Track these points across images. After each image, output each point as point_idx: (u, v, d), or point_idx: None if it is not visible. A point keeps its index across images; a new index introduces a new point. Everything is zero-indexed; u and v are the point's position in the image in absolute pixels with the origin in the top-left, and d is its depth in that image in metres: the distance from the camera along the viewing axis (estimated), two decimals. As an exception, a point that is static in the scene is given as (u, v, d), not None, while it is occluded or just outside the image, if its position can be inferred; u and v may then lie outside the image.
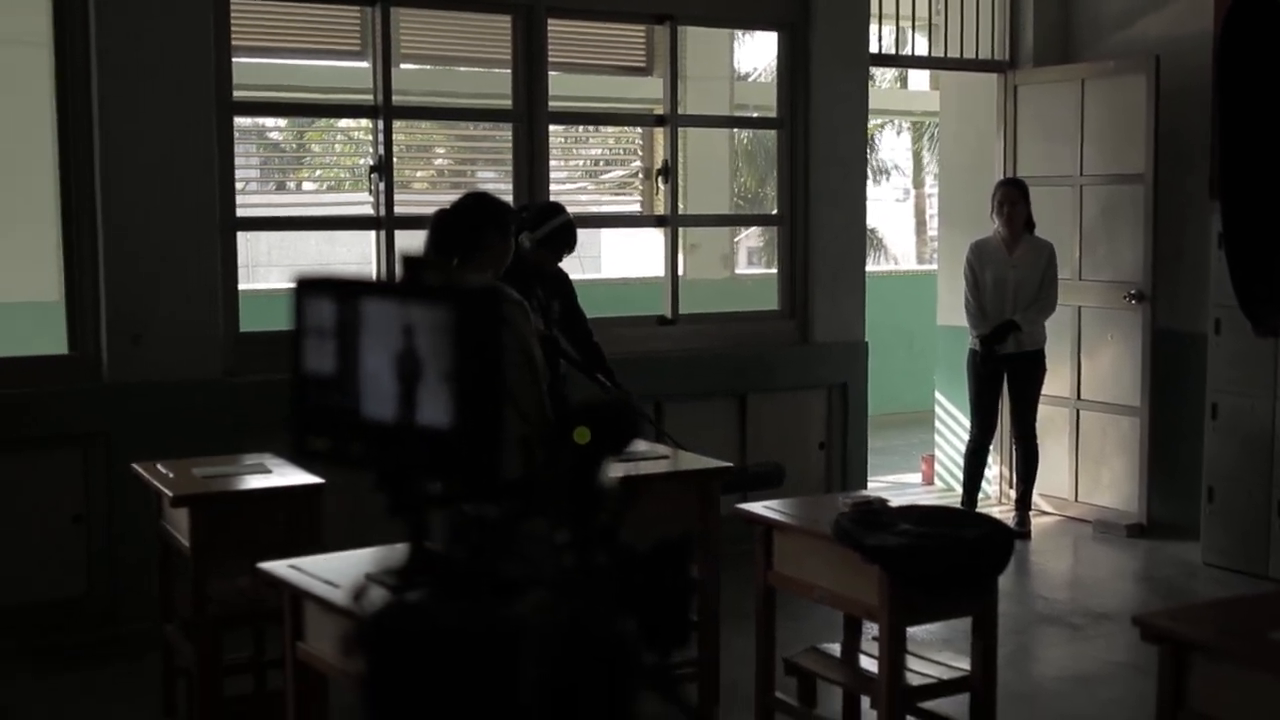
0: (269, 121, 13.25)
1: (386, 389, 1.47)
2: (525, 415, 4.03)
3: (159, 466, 5.07)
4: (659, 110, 7.76)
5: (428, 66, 10.69)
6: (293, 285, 1.55)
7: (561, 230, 5.94)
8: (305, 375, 1.51)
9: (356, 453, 1.48)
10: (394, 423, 1.46)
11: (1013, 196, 7.74)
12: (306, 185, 14.56)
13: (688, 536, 1.56)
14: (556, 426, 1.38)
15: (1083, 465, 8.22)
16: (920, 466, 9.48)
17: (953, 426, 8.98)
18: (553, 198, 6.97)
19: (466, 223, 4.57)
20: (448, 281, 1.39)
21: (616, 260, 14.88)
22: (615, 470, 1.40)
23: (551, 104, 7.15)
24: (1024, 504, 7.97)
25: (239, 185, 6.63)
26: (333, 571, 3.83)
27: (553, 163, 7.25)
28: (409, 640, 1.25)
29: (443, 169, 12.60)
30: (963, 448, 8.22)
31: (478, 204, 4.65)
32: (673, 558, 1.53)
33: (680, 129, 7.84)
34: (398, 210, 6.81)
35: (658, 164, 7.99)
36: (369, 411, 1.48)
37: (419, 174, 12.37)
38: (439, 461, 1.41)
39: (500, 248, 4.61)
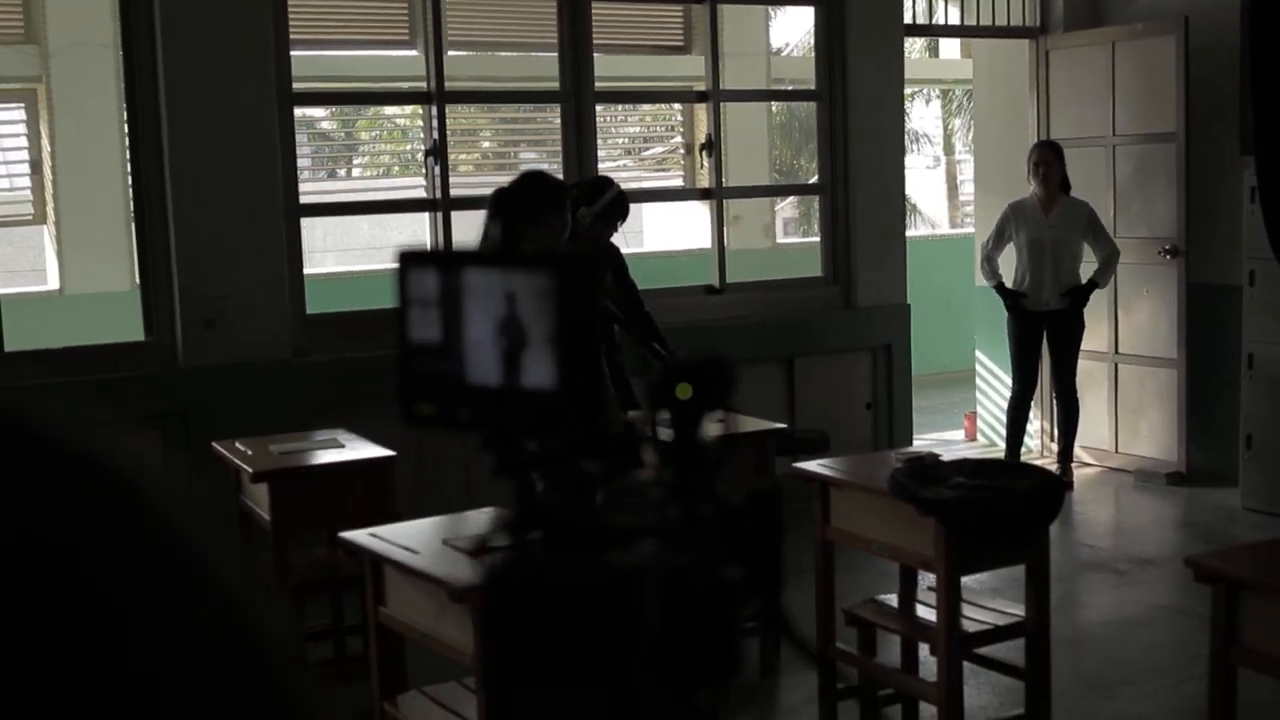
0: (318, 112, 13.30)
1: (490, 354, 1.49)
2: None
3: (237, 444, 5.13)
4: (699, 87, 7.75)
5: (471, 53, 10.69)
6: (396, 259, 1.57)
7: (616, 202, 5.95)
8: (410, 344, 1.53)
9: (463, 416, 1.50)
10: (498, 386, 1.47)
11: (1048, 157, 7.68)
12: (355, 173, 14.61)
13: (777, 488, 1.58)
14: (660, 383, 1.40)
15: (1122, 417, 8.19)
16: (963, 424, 9.46)
17: (993, 384, 8.96)
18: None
19: (526, 200, 4.60)
20: (543, 250, 1.41)
21: (658, 234, 14.86)
22: (714, 425, 1.42)
23: (596, 84, 7.16)
24: (1066, 457, 7.92)
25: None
26: (410, 539, 3.88)
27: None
28: (528, 589, 1.28)
29: (487, 152, 12.64)
30: (1004, 404, 8.21)
31: (536, 182, 4.67)
32: (765, 508, 1.55)
33: (722, 104, 7.82)
34: (451, 193, 6.83)
35: (699, 139, 7.98)
36: (473, 377, 1.50)
37: (464, 158, 12.41)
38: (544, 421, 1.43)
39: (558, 223, 4.64)
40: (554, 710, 1.25)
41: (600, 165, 7.22)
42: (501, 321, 1.46)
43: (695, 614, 1.29)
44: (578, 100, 7.05)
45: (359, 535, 3.96)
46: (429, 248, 1.81)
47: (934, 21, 8.51)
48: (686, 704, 1.32)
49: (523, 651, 1.30)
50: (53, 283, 9.52)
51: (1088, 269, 7.79)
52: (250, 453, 5.00)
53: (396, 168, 13.69)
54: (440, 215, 6.82)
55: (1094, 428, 8.24)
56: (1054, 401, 8.10)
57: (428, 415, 1.55)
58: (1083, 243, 7.74)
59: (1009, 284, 7.80)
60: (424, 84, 6.82)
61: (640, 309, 6.15)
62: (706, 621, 1.33)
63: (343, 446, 5.07)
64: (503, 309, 1.46)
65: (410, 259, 1.55)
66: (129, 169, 6.20)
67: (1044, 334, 7.82)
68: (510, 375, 1.46)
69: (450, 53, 9.66)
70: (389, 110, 13.02)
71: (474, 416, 1.51)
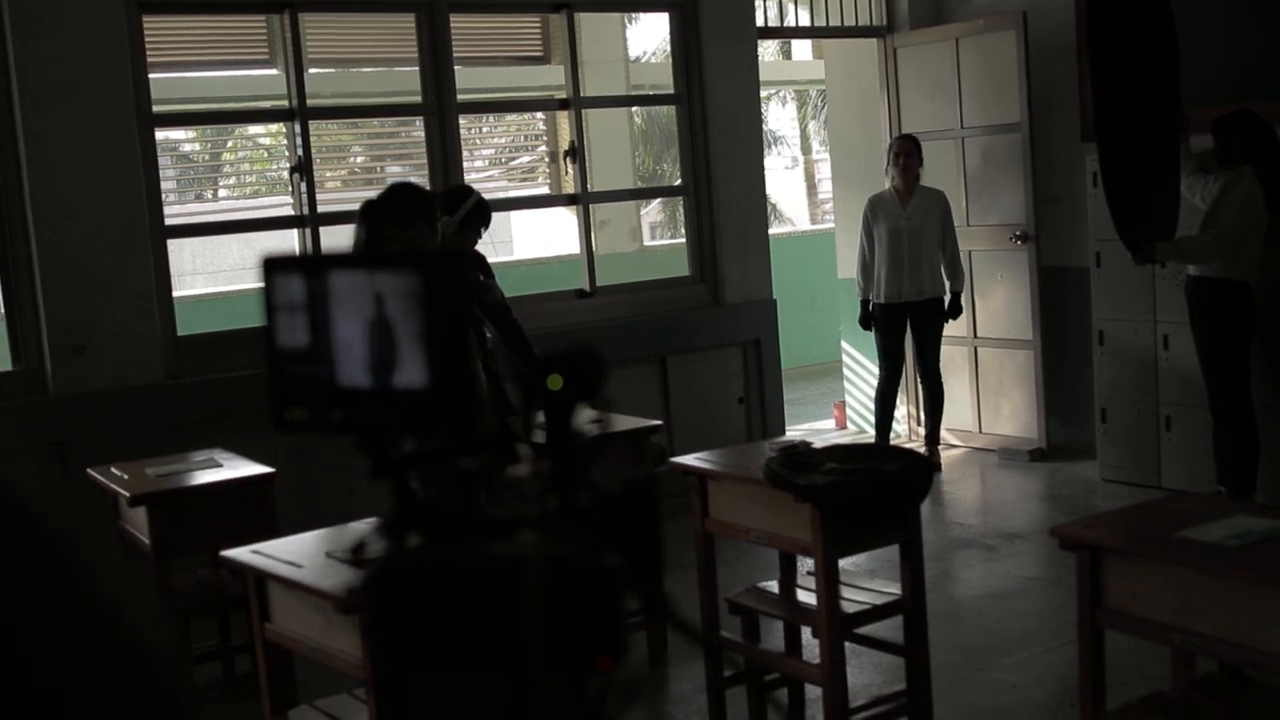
0: (180, 135, 13.04)
1: (360, 356, 1.46)
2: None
3: (113, 469, 5.00)
4: (560, 95, 7.74)
5: (334, 70, 10.56)
6: (260, 266, 1.53)
7: (476, 209, 5.91)
8: (279, 351, 1.49)
9: (336, 420, 1.47)
10: (370, 387, 1.45)
11: (908, 148, 7.80)
12: (221, 194, 14.36)
13: (653, 476, 1.57)
14: (530, 375, 1.38)
15: (984, 398, 8.34)
16: (833, 413, 9.57)
17: (860, 373, 9.07)
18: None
19: (395, 211, 4.56)
20: (408, 249, 1.38)
21: (527, 242, 14.83)
22: (589, 416, 1.41)
23: (459, 96, 7.11)
24: (933, 439, 8.04)
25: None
26: (292, 553, 3.81)
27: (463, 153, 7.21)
28: (411, 583, 1.25)
29: (355, 167, 12.49)
30: (872, 393, 8.30)
31: (406, 194, 4.63)
32: (642, 496, 1.54)
33: (581, 111, 7.82)
34: (319, 209, 6.74)
35: (563, 147, 7.97)
36: (345, 379, 1.47)
37: (330, 174, 12.25)
38: (417, 420, 1.41)
39: (427, 232, 4.60)
40: (445, 697, 1.22)
41: (467, 176, 7.17)
42: (369, 322, 1.43)
43: (579, 600, 1.28)
44: (440, 113, 7.00)
45: (241, 553, 3.88)
46: (294, 253, 1.77)
47: (785, 24, 8.59)
48: (574, 690, 1.31)
49: (410, 643, 1.27)
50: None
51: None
52: (126, 477, 4.87)
53: (263, 187, 13.49)
54: (309, 231, 6.73)
55: (957, 410, 8.39)
56: (919, 387, 8.21)
57: (300, 420, 1.51)
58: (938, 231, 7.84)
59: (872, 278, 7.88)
60: (286, 102, 6.72)
61: (508, 316, 6.11)
62: (590, 608, 1.31)
63: (220, 465, 4.96)
64: (370, 309, 1.43)
65: (275, 265, 1.51)
66: (-12, 198, 6.00)
67: (907, 322, 7.89)
68: (381, 376, 1.43)
69: (312, 70, 9.54)
70: (253, 130, 12.83)
71: (347, 419, 1.47)
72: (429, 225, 4.58)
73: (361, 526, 3.91)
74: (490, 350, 5.96)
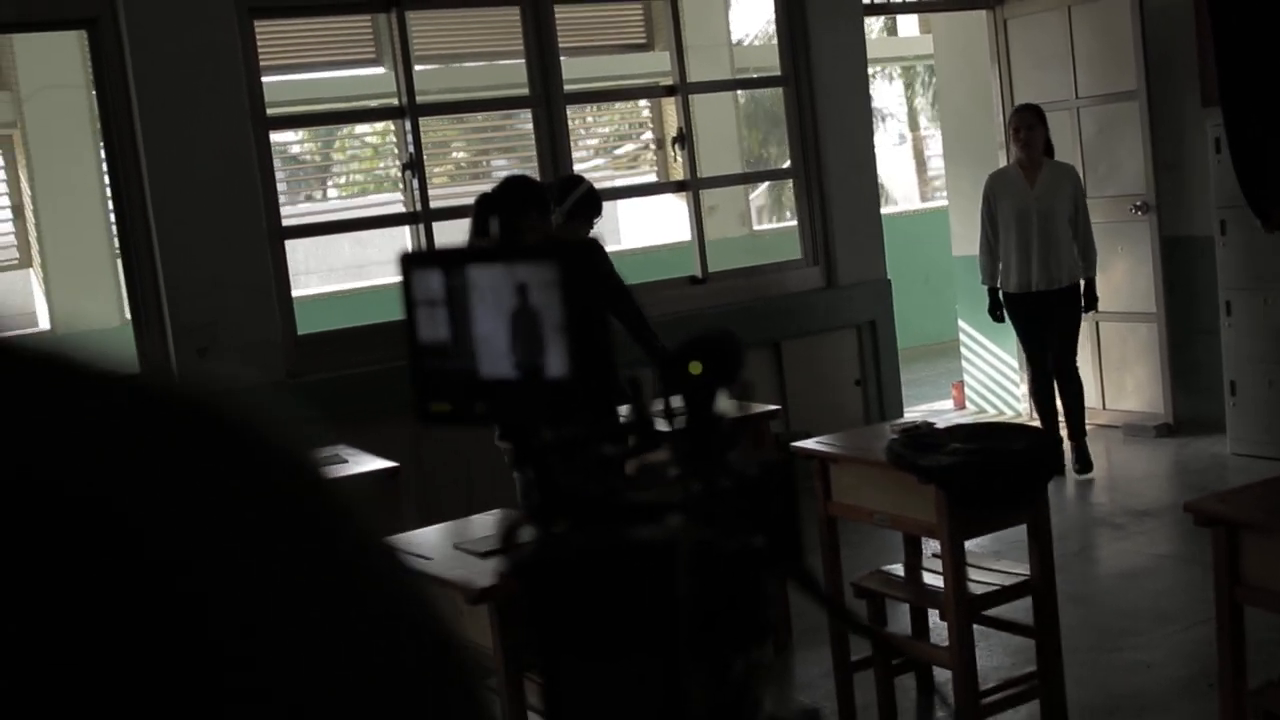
0: (289, 137, 13.28)
1: (500, 347, 1.49)
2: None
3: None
4: (666, 81, 7.75)
5: (439, 66, 10.69)
6: (399, 262, 1.57)
7: (586, 198, 5.93)
8: (420, 345, 1.53)
9: (479, 411, 1.51)
10: (511, 378, 1.48)
11: (1028, 120, 7.11)
12: (331, 195, 14.60)
13: (788, 458, 1.59)
14: (671, 361, 1.41)
15: (1107, 374, 8.21)
16: (951, 393, 9.49)
17: (979, 351, 8.99)
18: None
19: (510, 203, 4.61)
20: (545, 239, 1.41)
21: (635, 231, 14.88)
22: (727, 401, 1.43)
23: (565, 87, 7.16)
24: (1078, 435, 7.31)
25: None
26: (422, 546, 3.88)
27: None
28: (563, 569, 1.28)
29: (461, 162, 12.63)
30: (990, 371, 8.21)
31: (519, 186, 4.69)
32: (780, 477, 1.56)
33: (688, 97, 7.83)
34: (431, 205, 6.83)
35: (670, 134, 7.98)
36: (486, 371, 1.50)
37: (438, 170, 12.40)
38: (559, 408, 1.44)
39: (541, 225, 4.65)
40: (599, 683, 1.25)
41: (574, 166, 7.23)
42: (509, 313, 1.47)
43: (725, 583, 1.30)
44: (548, 104, 7.05)
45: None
46: (432, 248, 1.80)
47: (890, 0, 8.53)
48: (723, 674, 1.33)
49: (563, 629, 1.30)
50: (43, 324, 9.50)
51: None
52: (255, 475, 4.98)
53: (371, 186, 13.69)
54: (421, 228, 6.82)
55: (1080, 386, 8.26)
56: (1054, 382, 7.53)
57: (444, 413, 1.55)
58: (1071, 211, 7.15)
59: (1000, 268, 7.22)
60: (395, 100, 6.82)
61: (631, 302, 6.14)
62: (737, 590, 1.34)
63: (346, 461, 5.06)
64: (509, 300, 1.47)
65: (413, 260, 1.55)
66: (110, 205, 6.18)
67: (1044, 311, 7.15)
68: (522, 366, 1.46)
69: (418, 67, 9.66)
70: (360, 129, 13.01)
71: (489, 410, 1.51)
72: (543, 216, 4.63)
73: (487, 519, 3.97)
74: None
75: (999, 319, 7.29)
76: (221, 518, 0.39)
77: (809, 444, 4.66)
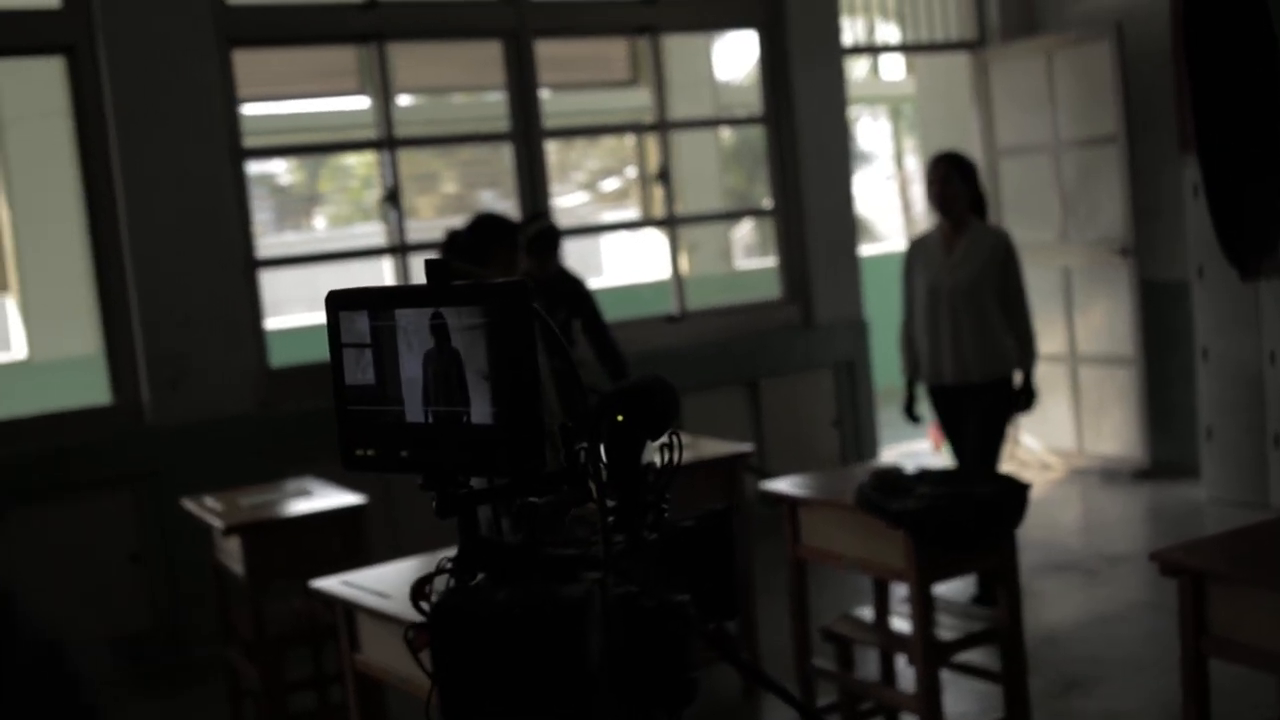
0: (279, 167, 13.26)
1: (427, 392, 1.45)
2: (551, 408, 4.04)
3: (207, 500, 5.07)
4: (649, 118, 7.74)
5: (424, 98, 10.68)
6: (325, 301, 1.53)
7: (538, 236, 5.91)
8: (347, 388, 1.49)
9: (404, 458, 1.46)
10: (437, 424, 1.43)
11: (941, 171, 5.70)
12: (318, 224, 14.58)
13: (728, 508, 1.54)
14: (596, 410, 1.36)
15: (1084, 417, 8.19)
16: (929, 433, 9.44)
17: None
18: (554, 212, 6.97)
19: (476, 239, 4.59)
20: (475, 281, 1.37)
21: (618, 265, 14.87)
22: (655, 450, 1.38)
23: (546, 121, 7.15)
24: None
25: (257, 228, 6.64)
26: (382, 583, 3.82)
27: (553, 179, 7.24)
28: (475, 622, 1.24)
29: (447, 194, 12.62)
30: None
31: (485, 223, 4.67)
32: (717, 528, 1.51)
33: (671, 134, 7.82)
34: (410, 237, 6.80)
35: (653, 170, 7.97)
36: (412, 416, 1.46)
37: (424, 201, 12.38)
38: (483, 457, 1.39)
39: (505, 260, 4.63)
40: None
41: (560, 201, 7.21)
42: (435, 357, 1.42)
43: (645, 640, 1.26)
44: (527, 138, 7.03)
45: (331, 583, 3.90)
46: (358, 289, 1.76)
47: (874, 41, 8.53)
48: (642, 733, 1.28)
49: (474, 685, 1.26)
50: (20, 351, 9.43)
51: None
52: (221, 507, 4.93)
53: (359, 216, 13.67)
54: (400, 259, 6.79)
55: (1057, 430, 8.25)
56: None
57: (368, 458, 1.51)
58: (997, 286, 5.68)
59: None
60: (375, 131, 6.79)
61: (608, 345, 6.11)
62: (658, 647, 1.29)
63: (312, 495, 5.01)
64: (435, 344, 1.42)
65: (339, 300, 1.51)
66: (88, 233, 6.13)
67: (957, 413, 5.80)
68: (447, 412, 1.42)
69: (403, 99, 9.65)
70: (350, 160, 13.00)
71: (413, 456, 1.46)
72: (508, 253, 4.61)
73: (427, 562, 3.91)
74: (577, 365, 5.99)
75: (913, 418, 5.89)
76: None
77: (779, 485, 4.62)
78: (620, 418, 1.34)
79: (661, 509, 1.43)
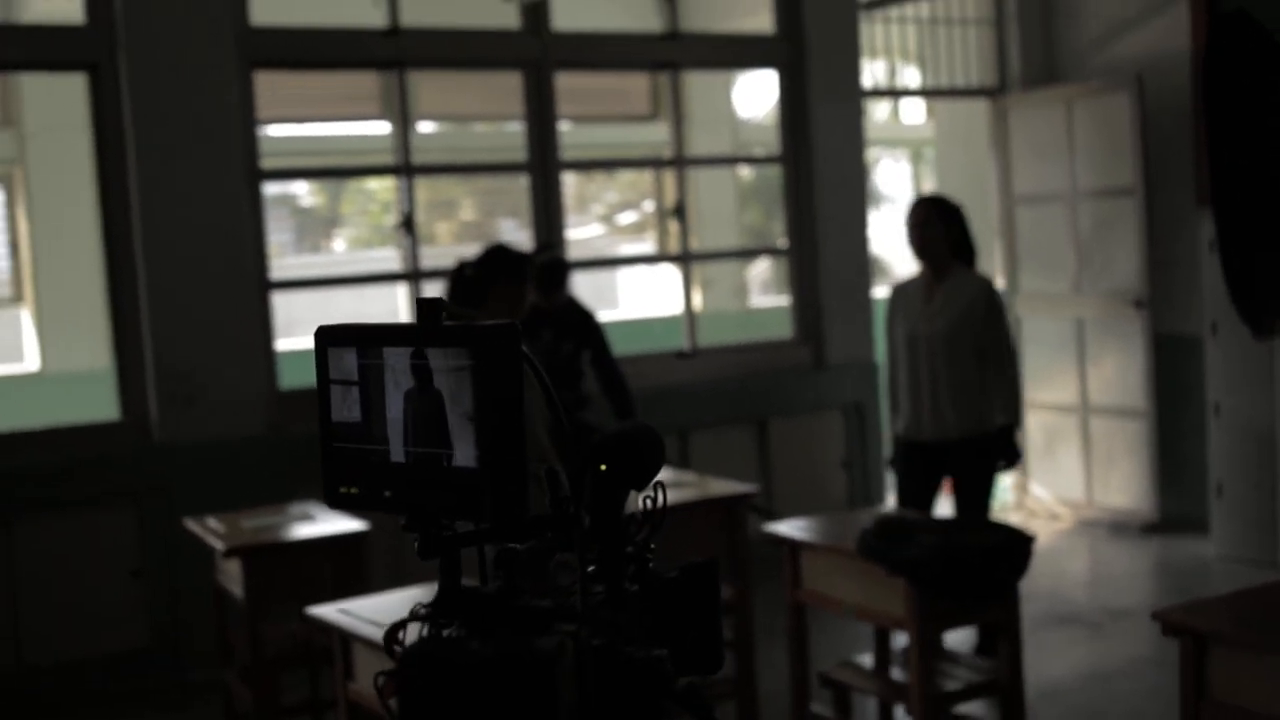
0: (301, 188, 13.30)
1: (411, 433, 1.43)
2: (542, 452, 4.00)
3: (210, 520, 5.06)
4: (667, 153, 7.75)
5: (447, 125, 10.72)
6: (314, 336, 1.51)
7: (545, 268, 5.90)
8: (333, 424, 1.47)
9: (387, 497, 1.44)
10: (421, 465, 1.42)
11: (919, 215, 5.42)
12: (338, 246, 14.61)
13: (712, 560, 1.52)
14: (579, 458, 1.34)
15: (1094, 468, 8.13)
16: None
17: (966, 438, 8.90)
18: (572, 244, 6.96)
19: (482, 272, 4.59)
20: (465, 322, 1.35)
21: (634, 298, 14.88)
22: (639, 499, 1.36)
23: (565, 153, 7.15)
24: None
25: (276, 249, 6.64)
26: (378, 613, 3.80)
27: (571, 210, 7.24)
28: (445, 672, 1.21)
29: (465, 221, 12.63)
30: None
31: (493, 254, 4.67)
32: (699, 581, 1.49)
33: (689, 169, 7.82)
34: (425, 263, 6.80)
35: (669, 205, 7.97)
36: (396, 456, 1.44)
37: (443, 228, 12.39)
38: (466, 501, 1.37)
39: (510, 294, 4.64)
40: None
41: (579, 232, 7.21)
42: (420, 398, 1.41)
43: (621, 694, 1.23)
44: (544, 169, 7.03)
45: (326, 610, 3.88)
46: (347, 324, 1.74)
47: (895, 84, 8.53)
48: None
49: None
50: (33, 363, 9.45)
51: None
52: (223, 528, 4.92)
53: (378, 239, 13.70)
54: (412, 286, 6.79)
55: (1067, 479, 8.20)
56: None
57: (351, 496, 1.49)
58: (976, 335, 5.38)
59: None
60: (396, 157, 6.81)
61: (616, 382, 6.09)
62: (633, 702, 1.26)
63: (315, 519, 4.99)
64: (421, 385, 1.41)
65: (328, 336, 1.50)
66: (103, 247, 6.15)
67: (940, 473, 5.51)
68: (431, 454, 1.40)
69: (425, 125, 9.68)
70: (372, 184, 13.04)
71: (396, 497, 1.45)
72: (513, 286, 4.61)
73: (424, 595, 3.89)
74: (586, 398, 5.98)
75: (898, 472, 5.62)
76: None
77: (781, 528, 4.58)
78: (603, 467, 1.32)
79: (645, 560, 1.41)
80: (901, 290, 5.57)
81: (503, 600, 1.29)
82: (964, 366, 5.32)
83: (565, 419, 1.41)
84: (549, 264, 5.92)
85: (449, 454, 1.39)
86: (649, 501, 1.35)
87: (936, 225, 5.35)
